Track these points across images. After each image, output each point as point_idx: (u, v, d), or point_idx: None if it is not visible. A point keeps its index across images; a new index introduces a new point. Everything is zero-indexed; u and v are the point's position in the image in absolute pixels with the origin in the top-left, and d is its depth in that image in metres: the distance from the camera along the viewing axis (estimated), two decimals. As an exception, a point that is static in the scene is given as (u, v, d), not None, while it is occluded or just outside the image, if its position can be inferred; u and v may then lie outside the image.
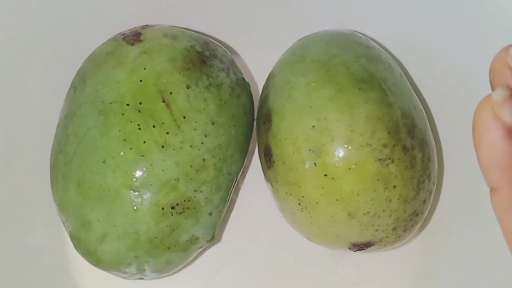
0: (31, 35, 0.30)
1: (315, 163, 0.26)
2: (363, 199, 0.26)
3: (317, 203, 0.26)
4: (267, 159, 0.28)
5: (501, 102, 0.17)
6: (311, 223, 0.27)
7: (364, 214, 0.26)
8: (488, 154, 0.17)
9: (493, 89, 0.18)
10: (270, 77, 0.30)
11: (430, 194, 0.28)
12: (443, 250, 0.32)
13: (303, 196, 0.27)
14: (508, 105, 0.17)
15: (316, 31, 0.31)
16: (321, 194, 0.26)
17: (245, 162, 0.30)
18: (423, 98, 0.32)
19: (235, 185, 0.29)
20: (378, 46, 0.30)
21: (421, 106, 0.29)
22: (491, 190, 0.18)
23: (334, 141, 0.26)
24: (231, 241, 0.33)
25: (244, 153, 0.29)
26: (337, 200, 0.26)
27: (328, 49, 0.28)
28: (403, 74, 0.29)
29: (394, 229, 0.27)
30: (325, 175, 0.26)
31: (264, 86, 0.30)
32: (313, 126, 0.26)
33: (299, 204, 0.27)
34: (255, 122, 0.31)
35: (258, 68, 0.35)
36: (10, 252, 0.30)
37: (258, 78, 0.35)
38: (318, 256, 0.32)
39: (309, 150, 0.26)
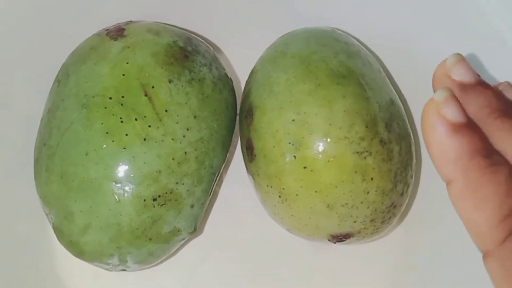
0: (16, 31, 0.30)
1: (294, 156, 0.26)
2: (341, 190, 0.26)
3: (297, 195, 0.27)
4: (249, 152, 0.29)
5: (443, 101, 0.19)
6: (292, 215, 0.28)
7: (343, 206, 0.27)
8: (438, 150, 0.19)
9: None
10: (252, 73, 0.30)
11: (408, 187, 0.29)
12: (421, 243, 0.32)
13: (283, 189, 0.27)
14: (449, 104, 0.19)
15: (297, 28, 0.31)
16: (301, 186, 0.27)
17: (228, 156, 0.30)
18: (401, 94, 0.33)
19: (218, 178, 0.30)
20: (357, 43, 0.30)
21: (399, 101, 0.29)
22: (447, 184, 0.19)
23: (313, 135, 0.26)
24: (213, 233, 0.33)
25: (226, 147, 0.30)
26: (316, 192, 0.26)
27: (308, 45, 0.29)
28: (382, 70, 0.30)
29: (372, 220, 0.28)
30: (305, 167, 0.26)
31: (246, 81, 0.31)
32: (293, 120, 0.26)
33: (279, 197, 0.28)
34: (238, 117, 0.31)
35: (241, 65, 0.35)
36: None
37: (241, 74, 0.35)
38: (299, 248, 0.33)
39: (289, 143, 0.26)
